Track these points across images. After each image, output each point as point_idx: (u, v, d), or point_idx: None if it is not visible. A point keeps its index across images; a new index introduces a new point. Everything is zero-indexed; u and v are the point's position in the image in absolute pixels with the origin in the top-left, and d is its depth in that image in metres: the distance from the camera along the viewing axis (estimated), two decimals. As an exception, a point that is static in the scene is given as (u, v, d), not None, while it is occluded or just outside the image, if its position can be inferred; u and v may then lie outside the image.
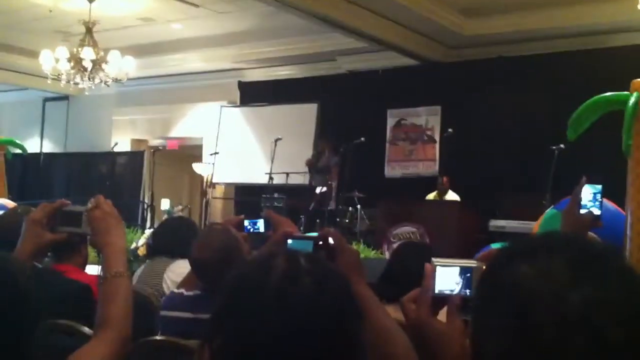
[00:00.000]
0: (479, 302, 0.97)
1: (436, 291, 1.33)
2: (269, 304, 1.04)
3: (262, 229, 2.97)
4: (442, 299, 1.33)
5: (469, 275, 1.32)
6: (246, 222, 2.97)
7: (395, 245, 7.74)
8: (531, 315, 0.86)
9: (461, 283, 1.32)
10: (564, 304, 0.85)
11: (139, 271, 4.13)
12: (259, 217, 2.96)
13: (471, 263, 1.33)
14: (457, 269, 1.33)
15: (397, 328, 1.49)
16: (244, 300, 1.07)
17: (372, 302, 1.51)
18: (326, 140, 10.05)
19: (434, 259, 1.35)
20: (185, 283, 2.75)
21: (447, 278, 1.33)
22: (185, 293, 2.63)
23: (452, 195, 9.08)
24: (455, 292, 1.32)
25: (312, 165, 9.93)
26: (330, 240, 1.51)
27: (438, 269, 1.33)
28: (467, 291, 1.31)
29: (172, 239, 3.86)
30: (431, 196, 9.25)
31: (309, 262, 1.10)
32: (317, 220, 9.07)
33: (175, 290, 2.68)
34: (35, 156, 16.02)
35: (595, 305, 0.85)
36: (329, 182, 9.49)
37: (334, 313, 1.06)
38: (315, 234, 1.53)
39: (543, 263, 0.89)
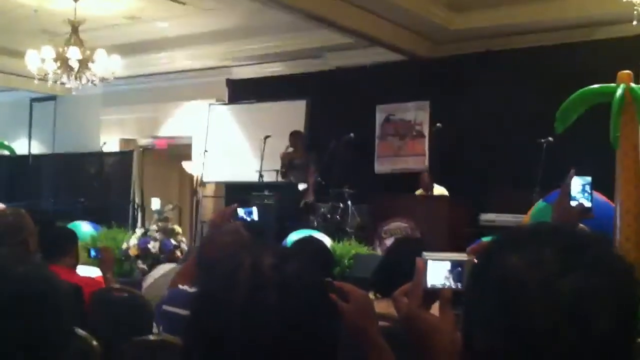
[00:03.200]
0: (470, 294, 0.97)
1: (428, 285, 1.33)
2: (234, 323, 1.03)
3: (256, 218, 2.98)
4: (434, 293, 1.33)
5: (460, 269, 1.32)
6: (241, 212, 2.98)
7: (386, 241, 7.76)
8: (521, 305, 0.86)
9: (452, 277, 1.33)
10: (554, 293, 0.85)
11: (166, 268, 4.16)
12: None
13: (462, 257, 1.34)
14: (448, 263, 1.33)
15: None
16: (209, 319, 1.05)
17: (389, 355, 1.50)
18: (298, 136, 10.02)
19: (425, 253, 1.36)
20: (183, 276, 2.73)
21: (439, 272, 1.33)
22: (189, 290, 2.61)
23: (439, 190, 9.09)
24: (446, 286, 1.33)
25: (285, 160, 9.90)
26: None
27: (429, 263, 1.34)
28: (459, 285, 1.31)
29: None
30: (418, 193, 9.26)
31: (275, 271, 1.07)
32: (310, 217, 9.08)
33: (180, 287, 2.67)
34: (24, 157, 15.93)
35: (585, 295, 0.85)
36: (314, 179, 9.47)
37: (303, 324, 1.05)
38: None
39: (532, 253, 0.89)
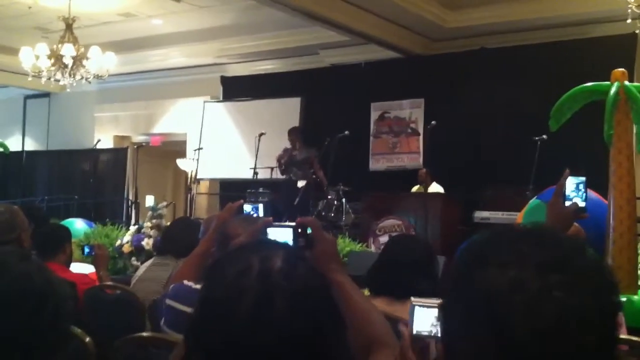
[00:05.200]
0: (450, 307, 0.97)
1: (414, 332, 1.31)
2: (240, 331, 1.00)
3: (261, 214, 3.02)
4: (421, 341, 1.31)
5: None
6: (249, 208, 3.02)
7: (380, 238, 7.77)
8: (505, 324, 0.87)
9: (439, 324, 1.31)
10: (536, 313, 0.86)
11: (147, 264, 4.18)
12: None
13: None
14: (436, 310, 1.29)
15: (374, 309, 1.55)
16: (215, 326, 1.03)
17: (349, 287, 1.54)
18: (296, 133, 10.02)
19: (413, 299, 1.34)
20: (185, 274, 2.72)
21: (426, 319, 1.30)
22: (193, 286, 2.60)
23: (436, 187, 9.10)
24: (433, 334, 1.30)
25: (281, 160, 9.89)
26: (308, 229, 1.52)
27: (416, 309, 1.32)
28: None
29: (179, 242, 4.02)
30: (415, 189, 9.27)
31: (285, 279, 1.04)
32: (285, 220, 9.03)
33: (185, 282, 2.66)
34: (18, 154, 15.90)
35: (566, 313, 0.86)
36: (313, 176, 9.47)
37: (310, 332, 1.03)
38: (293, 223, 1.53)
39: (513, 270, 0.89)
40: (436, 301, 1.31)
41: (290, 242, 1.48)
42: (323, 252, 1.50)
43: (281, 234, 1.49)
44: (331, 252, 1.54)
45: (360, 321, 1.49)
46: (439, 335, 1.27)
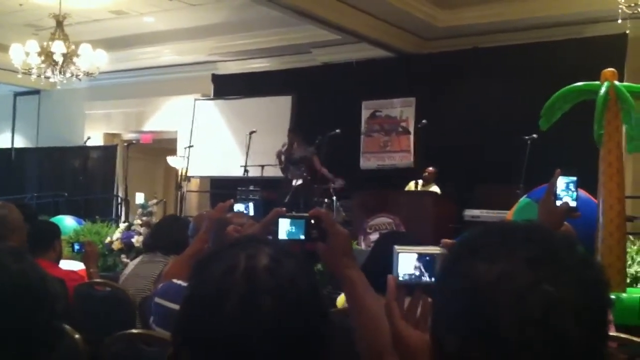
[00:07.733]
0: (439, 298, 0.97)
1: (400, 278, 1.33)
2: (226, 329, 1.00)
3: (252, 213, 3.04)
4: (408, 287, 1.33)
5: (429, 260, 1.32)
6: (242, 206, 3.04)
7: (371, 236, 7.77)
8: (492, 316, 0.86)
9: (423, 269, 1.32)
10: (524, 305, 0.85)
11: (135, 261, 4.18)
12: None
13: (435, 250, 1.33)
14: (417, 256, 1.33)
15: (384, 315, 1.48)
16: (200, 323, 1.02)
17: (362, 287, 1.51)
18: (295, 132, 10.01)
19: (396, 247, 1.35)
20: (176, 273, 2.71)
21: (409, 265, 1.33)
22: (183, 284, 2.60)
23: (434, 188, 9.12)
24: (419, 279, 1.32)
25: (281, 156, 9.87)
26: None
27: (400, 256, 1.34)
28: (433, 279, 1.31)
29: (168, 238, 4.05)
30: (412, 185, 9.25)
31: (271, 276, 1.03)
32: (293, 212, 9.04)
33: (175, 281, 2.66)
34: (7, 151, 15.82)
35: (556, 307, 0.85)
36: (308, 178, 9.44)
37: (297, 329, 1.02)
38: (306, 214, 1.50)
39: (502, 262, 0.89)
40: (420, 248, 1.34)
41: (302, 234, 1.46)
42: (336, 246, 1.48)
43: (293, 226, 1.47)
44: (344, 247, 1.51)
45: (369, 325, 1.46)
46: (423, 280, 1.30)
